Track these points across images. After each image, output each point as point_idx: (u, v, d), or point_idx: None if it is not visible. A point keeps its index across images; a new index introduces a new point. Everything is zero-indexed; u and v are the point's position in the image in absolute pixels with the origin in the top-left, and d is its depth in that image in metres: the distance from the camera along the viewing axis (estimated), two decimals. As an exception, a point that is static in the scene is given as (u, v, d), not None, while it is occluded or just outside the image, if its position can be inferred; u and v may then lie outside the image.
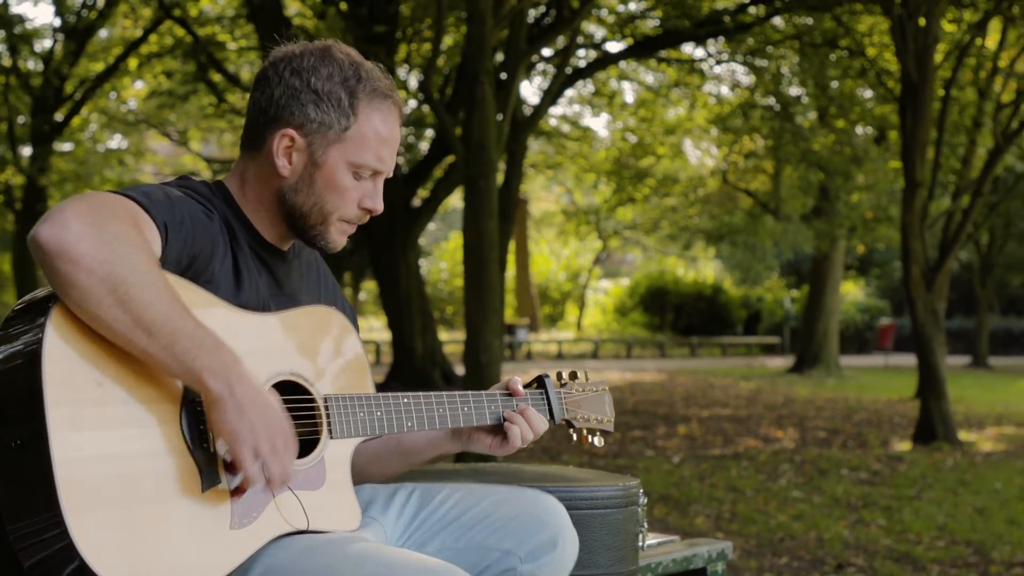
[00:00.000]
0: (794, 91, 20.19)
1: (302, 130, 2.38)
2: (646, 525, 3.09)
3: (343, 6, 17.13)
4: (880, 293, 42.40)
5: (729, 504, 8.88)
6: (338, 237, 2.47)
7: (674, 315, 41.07)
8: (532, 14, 15.65)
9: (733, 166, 25.50)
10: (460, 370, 19.44)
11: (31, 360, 1.98)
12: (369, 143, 2.41)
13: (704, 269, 45.74)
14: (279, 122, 2.39)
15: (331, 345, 2.42)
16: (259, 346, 2.24)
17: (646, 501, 3.10)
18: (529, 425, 2.64)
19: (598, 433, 2.82)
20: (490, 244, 10.07)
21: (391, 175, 2.48)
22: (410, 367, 18.39)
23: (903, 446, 12.87)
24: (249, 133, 2.45)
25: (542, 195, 42.56)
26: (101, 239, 1.99)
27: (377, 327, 37.19)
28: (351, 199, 2.43)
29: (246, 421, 2.09)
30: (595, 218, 33.90)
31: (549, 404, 2.74)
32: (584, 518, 2.88)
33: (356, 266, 27.78)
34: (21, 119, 21.20)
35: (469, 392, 2.61)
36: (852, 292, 40.84)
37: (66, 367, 2.00)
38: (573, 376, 2.85)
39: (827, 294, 26.21)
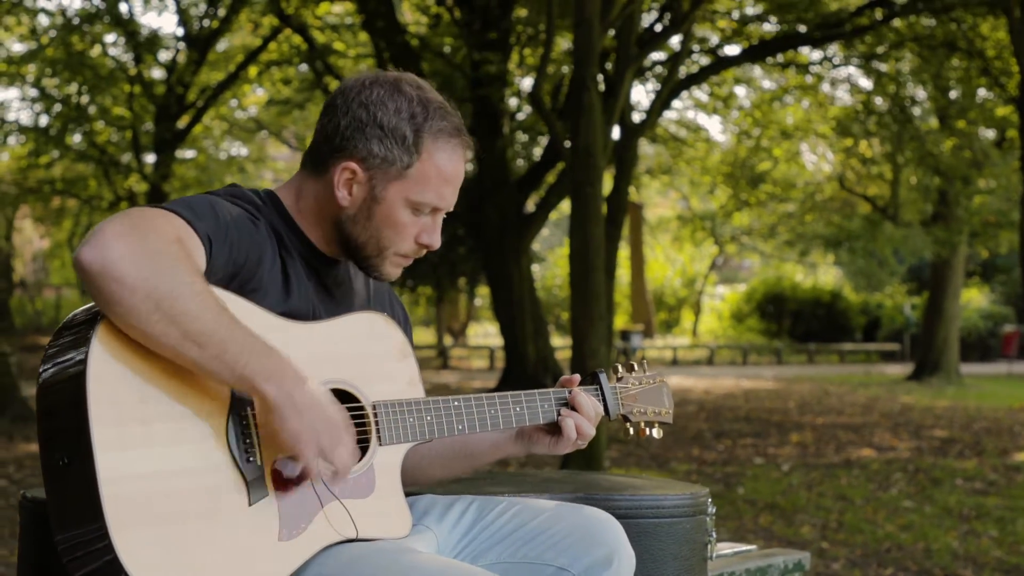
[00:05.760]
0: (911, 92, 19.81)
1: (364, 164, 2.39)
2: (715, 535, 3.03)
3: (457, 13, 17.26)
4: (1004, 299, 41.33)
5: (836, 513, 8.76)
6: (392, 270, 2.48)
7: (791, 322, 40.50)
8: (644, 19, 15.61)
9: (850, 170, 25.13)
10: (571, 375, 19.47)
11: (76, 379, 2.01)
12: (430, 182, 2.41)
13: (824, 275, 45.07)
14: (343, 153, 2.40)
15: (380, 351, 2.43)
16: (307, 356, 2.24)
17: (715, 510, 3.05)
18: (581, 413, 2.60)
19: (656, 425, 2.79)
20: (596, 250, 10.04)
21: (451, 211, 2.49)
22: (522, 372, 18.43)
23: (1021, 456, 12.57)
24: (312, 155, 2.47)
25: (658, 200, 42.32)
26: (142, 256, 2.01)
27: (491, 332, 37.33)
28: (408, 234, 2.44)
29: (306, 422, 2.11)
30: (711, 223, 33.63)
31: (604, 400, 2.71)
32: (649, 527, 2.83)
33: (471, 272, 27.89)
34: (146, 127, 21.74)
35: (522, 392, 2.59)
36: (975, 298, 39.90)
37: (111, 385, 2.03)
38: (630, 369, 2.82)
39: (948, 300, 25.68)
